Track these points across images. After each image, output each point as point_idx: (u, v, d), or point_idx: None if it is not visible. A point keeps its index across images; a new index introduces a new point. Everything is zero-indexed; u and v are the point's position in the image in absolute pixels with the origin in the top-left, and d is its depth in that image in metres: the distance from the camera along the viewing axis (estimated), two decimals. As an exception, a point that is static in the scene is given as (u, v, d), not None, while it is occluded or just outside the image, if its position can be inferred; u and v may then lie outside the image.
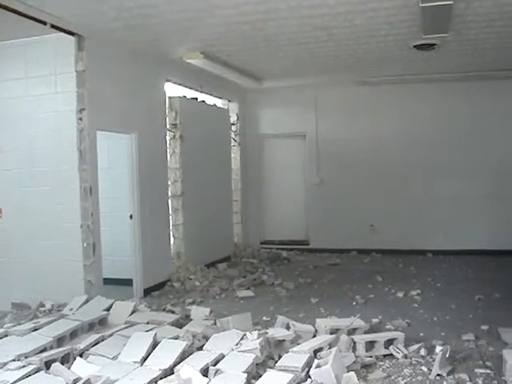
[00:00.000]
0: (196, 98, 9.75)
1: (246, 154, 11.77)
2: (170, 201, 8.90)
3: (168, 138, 8.83)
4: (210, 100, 10.46)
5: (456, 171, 10.69)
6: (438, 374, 4.52)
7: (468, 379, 4.47)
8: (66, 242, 6.82)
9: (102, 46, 7.05)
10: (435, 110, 10.77)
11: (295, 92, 11.35)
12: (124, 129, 7.61)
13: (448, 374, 4.54)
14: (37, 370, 4.34)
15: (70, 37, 6.64)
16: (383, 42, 7.58)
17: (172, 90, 9.08)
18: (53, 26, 6.24)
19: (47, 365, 4.48)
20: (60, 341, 5.15)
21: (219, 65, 8.65)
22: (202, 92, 9.92)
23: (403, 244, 10.79)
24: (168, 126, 8.84)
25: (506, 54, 8.57)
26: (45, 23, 6.08)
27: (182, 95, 9.19)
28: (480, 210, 10.59)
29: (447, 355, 4.74)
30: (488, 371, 4.64)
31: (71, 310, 6.19)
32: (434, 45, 7.65)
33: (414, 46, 7.75)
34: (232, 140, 11.38)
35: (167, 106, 8.84)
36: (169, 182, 8.88)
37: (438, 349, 4.91)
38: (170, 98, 8.92)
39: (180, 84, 9.17)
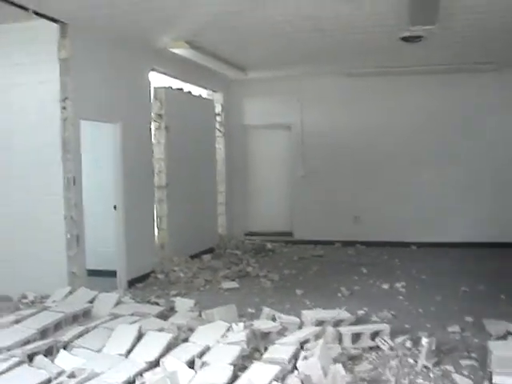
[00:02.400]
0: (181, 89, 9.66)
1: (230, 144, 11.70)
2: (154, 192, 8.82)
3: (153, 128, 8.75)
4: (196, 90, 10.37)
5: (441, 163, 10.74)
6: (425, 366, 4.53)
7: (454, 370, 4.48)
8: (49, 232, 6.73)
9: (86, 34, 6.93)
10: (420, 103, 10.78)
11: (280, 83, 11.29)
12: (108, 118, 7.51)
13: (434, 366, 4.55)
14: (20, 363, 4.25)
15: (53, 24, 6.51)
16: (370, 32, 7.53)
17: (157, 80, 8.98)
18: (35, 13, 6.09)
19: (30, 357, 4.40)
20: (43, 333, 5.06)
21: (204, 55, 8.56)
22: (187, 82, 9.83)
23: (388, 236, 10.80)
24: (153, 117, 8.75)
25: (492, 48, 8.58)
26: (27, 9, 5.93)
27: (167, 85, 9.10)
28: (464, 203, 10.64)
29: (433, 347, 4.75)
30: (473, 362, 4.67)
31: (54, 301, 6.11)
32: (421, 37, 7.63)
33: (401, 38, 7.73)
34: (217, 131, 11.31)
35: (152, 96, 8.74)
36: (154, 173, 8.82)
37: (424, 340, 4.89)
38: (155, 88, 8.82)
39: (165, 74, 9.07)
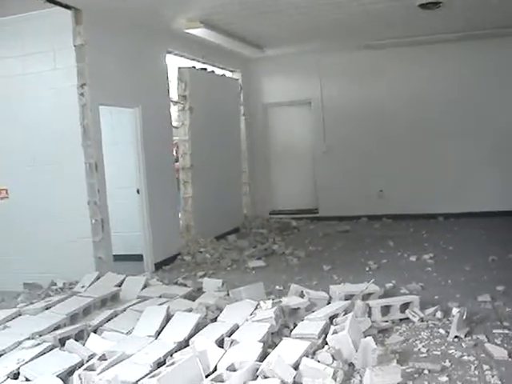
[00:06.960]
0: (205, 69, 9.59)
1: (251, 123, 11.63)
2: (180, 173, 8.83)
3: (177, 109, 8.72)
4: (219, 70, 10.28)
5: (464, 133, 10.53)
6: (456, 336, 4.47)
7: (486, 340, 4.41)
8: (74, 219, 6.77)
9: (101, 19, 6.90)
10: (440, 72, 10.56)
11: (298, 59, 11.16)
12: (127, 103, 7.50)
13: (466, 336, 4.49)
14: (52, 348, 4.32)
15: (67, 10, 6.49)
16: (386, 1, 7.37)
17: (177, 61, 8.92)
18: (48, 0, 6.08)
19: (62, 342, 4.46)
20: (73, 318, 5.14)
21: (220, 34, 8.49)
22: (204, 63, 9.77)
23: (413, 208, 10.70)
24: (177, 98, 8.72)
25: (513, 10, 8.36)
26: (40, -3, 5.94)
27: (191, 66, 9.03)
28: (489, 171, 10.45)
29: (464, 317, 4.68)
30: (506, 331, 4.59)
31: (83, 287, 6.16)
32: (440, 3, 7.45)
33: (419, 5, 7.55)
34: (238, 110, 11.26)
35: (176, 77, 8.71)
36: (179, 155, 8.83)
37: (455, 311, 4.84)
38: (179, 68, 8.80)
39: (181, 55, 9.01)
